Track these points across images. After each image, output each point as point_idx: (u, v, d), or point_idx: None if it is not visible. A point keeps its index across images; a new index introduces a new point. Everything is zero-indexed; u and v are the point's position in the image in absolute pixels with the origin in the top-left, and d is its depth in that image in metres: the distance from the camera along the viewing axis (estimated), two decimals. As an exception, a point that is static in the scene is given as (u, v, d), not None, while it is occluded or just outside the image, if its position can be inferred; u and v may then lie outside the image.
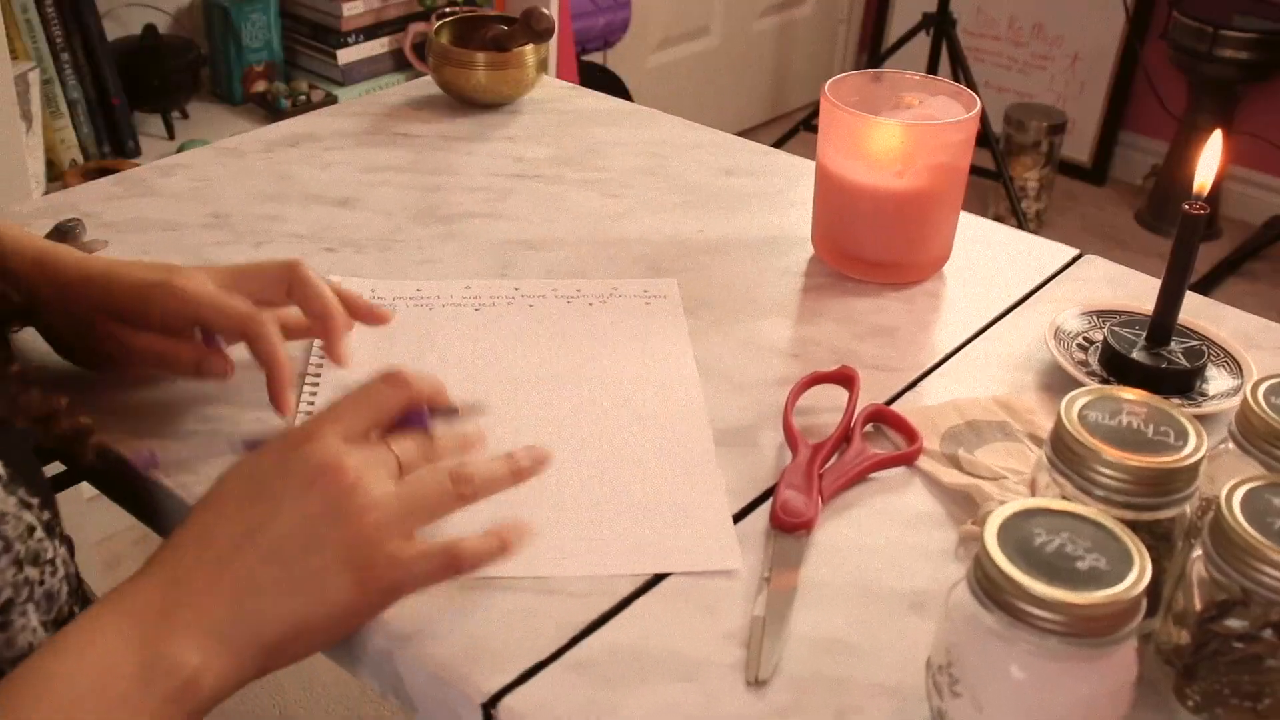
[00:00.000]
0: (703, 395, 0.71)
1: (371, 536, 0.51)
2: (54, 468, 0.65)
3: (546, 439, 0.66)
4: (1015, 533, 0.46)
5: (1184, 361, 0.72)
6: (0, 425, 0.57)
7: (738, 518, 0.63)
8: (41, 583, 0.54)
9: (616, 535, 0.61)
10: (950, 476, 0.65)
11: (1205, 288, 2.46)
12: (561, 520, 0.61)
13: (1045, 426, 0.67)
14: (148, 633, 0.48)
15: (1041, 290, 0.85)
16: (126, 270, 0.66)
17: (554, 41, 1.16)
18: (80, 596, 0.60)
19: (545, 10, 1.04)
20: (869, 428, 0.69)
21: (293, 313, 0.68)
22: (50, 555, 0.55)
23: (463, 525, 0.54)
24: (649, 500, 0.63)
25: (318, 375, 0.72)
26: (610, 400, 0.70)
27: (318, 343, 0.73)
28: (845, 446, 0.67)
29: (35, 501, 0.55)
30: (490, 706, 0.52)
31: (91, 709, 0.47)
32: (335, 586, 0.50)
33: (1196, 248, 0.70)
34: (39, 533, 0.55)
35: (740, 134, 1.08)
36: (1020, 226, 1.82)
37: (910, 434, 0.68)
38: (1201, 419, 0.58)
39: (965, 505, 0.63)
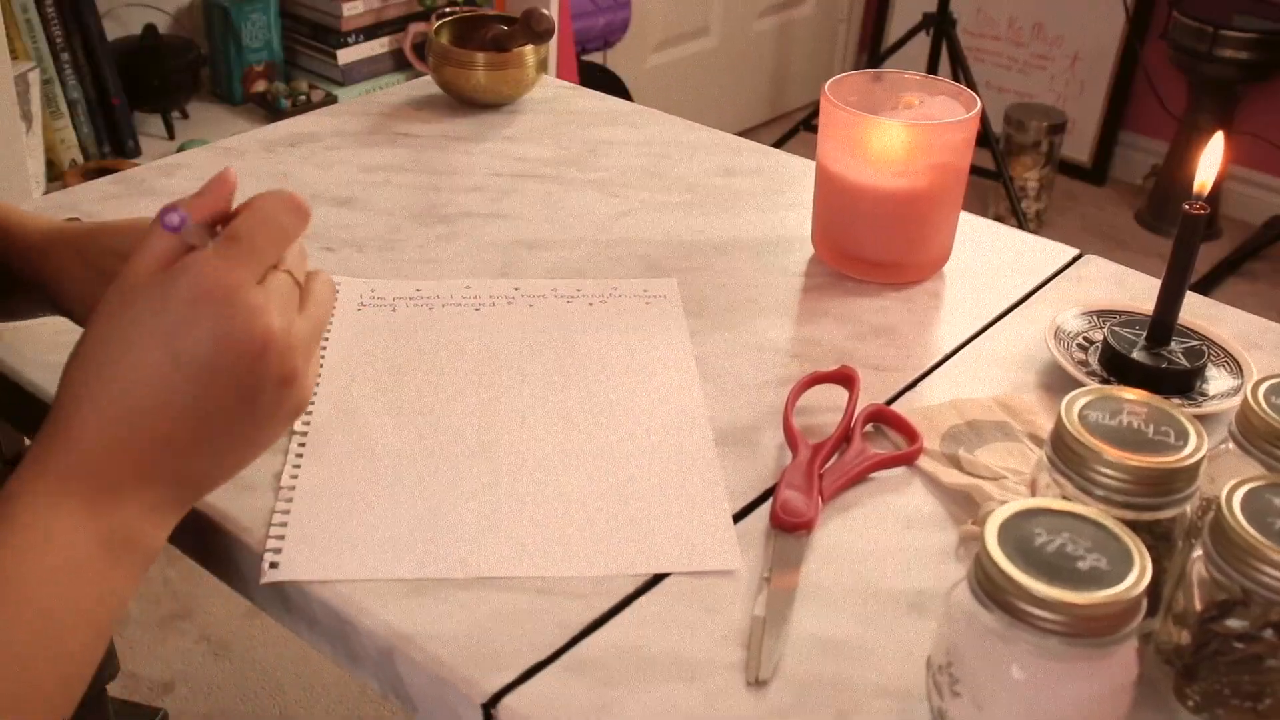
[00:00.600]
0: (702, 395, 0.71)
1: (304, 388, 0.54)
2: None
3: (546, 438, 0.66)
4: (1015, 533, 0.46)
5: (1184, 361, 0.72)
6: None
7: (738, 517, 0.63)
8: None
9: (616, 535, 0.60)
10: (950, 476, 0.65)
11: (1205, 288, 2.46)
12: (562, 520, 0.61)
13: (1045, 426, 0.67)
14: (99, 510, 0.49)
15: (1041, 290, 0.85)
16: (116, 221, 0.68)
17: (554, 41, 1.16)
18: None
19: (545, 10, 1.04)
20: (869, 428, 0.69)
21: None
22: None
23: (469, 528, 0.54)
24: (648, 500, 0.63)
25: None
26: (610, 400, 0.70)
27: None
28: (845, 446, 0.67)
29: None
30: (490, 706, 0.52)
31: (67, 598, 0.48)
32: (270, 436, 0.54)
33: (1197, 248, 0.70)
34: None
35: (740, 134, 1.08)
36: (1020, 226, 1.82)
37: (910, 434, 0.68)
38: (1202, 419, 0.58)
39: (965, 505, 0.63)
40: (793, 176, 0.99)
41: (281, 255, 0.53)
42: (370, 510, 0.61)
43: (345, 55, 1.95)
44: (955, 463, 0.66)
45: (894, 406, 0.71)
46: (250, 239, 0.52)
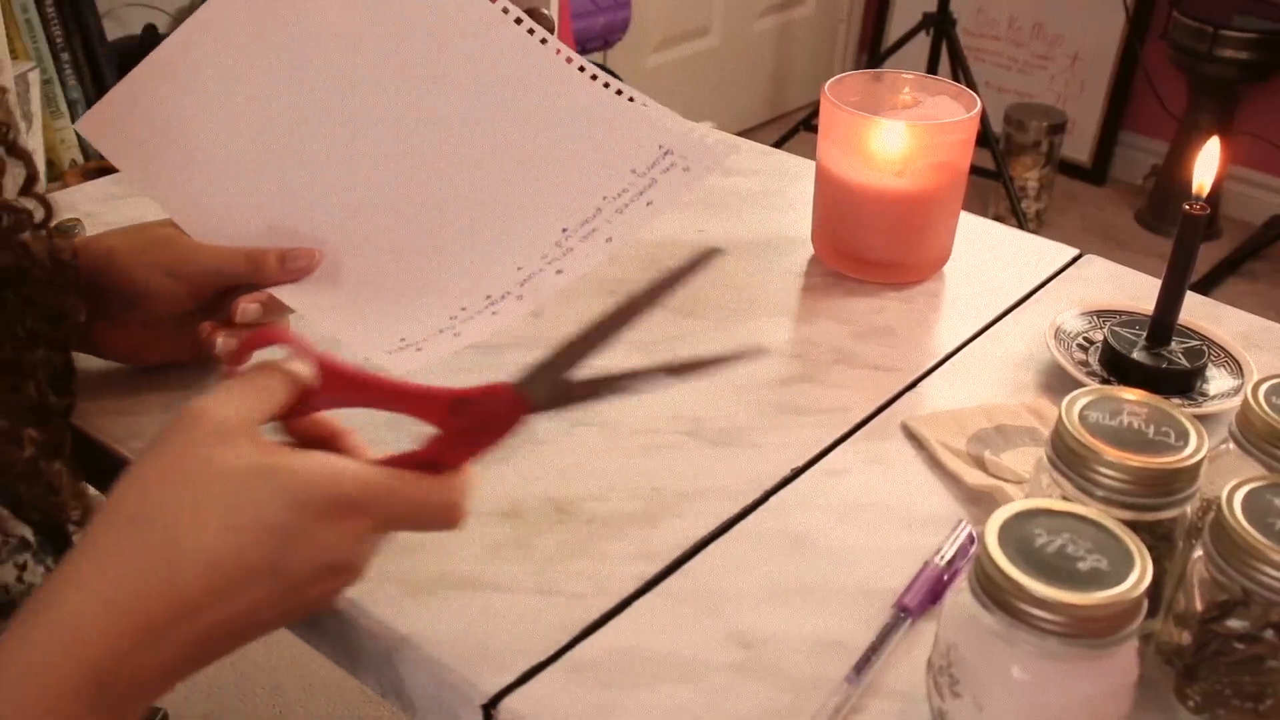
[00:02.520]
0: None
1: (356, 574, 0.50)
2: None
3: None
4: (1016, 533, 0.46)
5: (1184, 362, 0.72)
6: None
7: (738, 518, 0.63)
8: None
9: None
10: (974, 477, 0.65)
11: (1205, 288, 2.46)
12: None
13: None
14: (105, 690, 0.44)
15: (1041, 290, 0.85)
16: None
17: (554, 41, 1.16)
18: None
19: (545, 10, 1.04)
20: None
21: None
22: None
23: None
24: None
25: None
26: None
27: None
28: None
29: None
30: (490, 707, 0.52)
31: None
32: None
33: (1197, 248, 0.70)
34: None
35: (740, 134, 1.08)
36: (1020, 226, 1.82)
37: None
38: (1202, 419, 0.58)
39: (986, 506, 0.63)
40: (793, 176, 0.99)
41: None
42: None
43: (345, 55, 1.95)
44: (980, 464, 0.66)
45: (895, 407, 0.71)
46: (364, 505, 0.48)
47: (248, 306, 0.63)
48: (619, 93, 0.61)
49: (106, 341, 0.67)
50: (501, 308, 0.60)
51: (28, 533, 0.54)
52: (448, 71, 0.63)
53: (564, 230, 0.61)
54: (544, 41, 0.61)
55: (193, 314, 0.66)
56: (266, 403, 0.49)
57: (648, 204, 0.60)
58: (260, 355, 0.51)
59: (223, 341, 0.63)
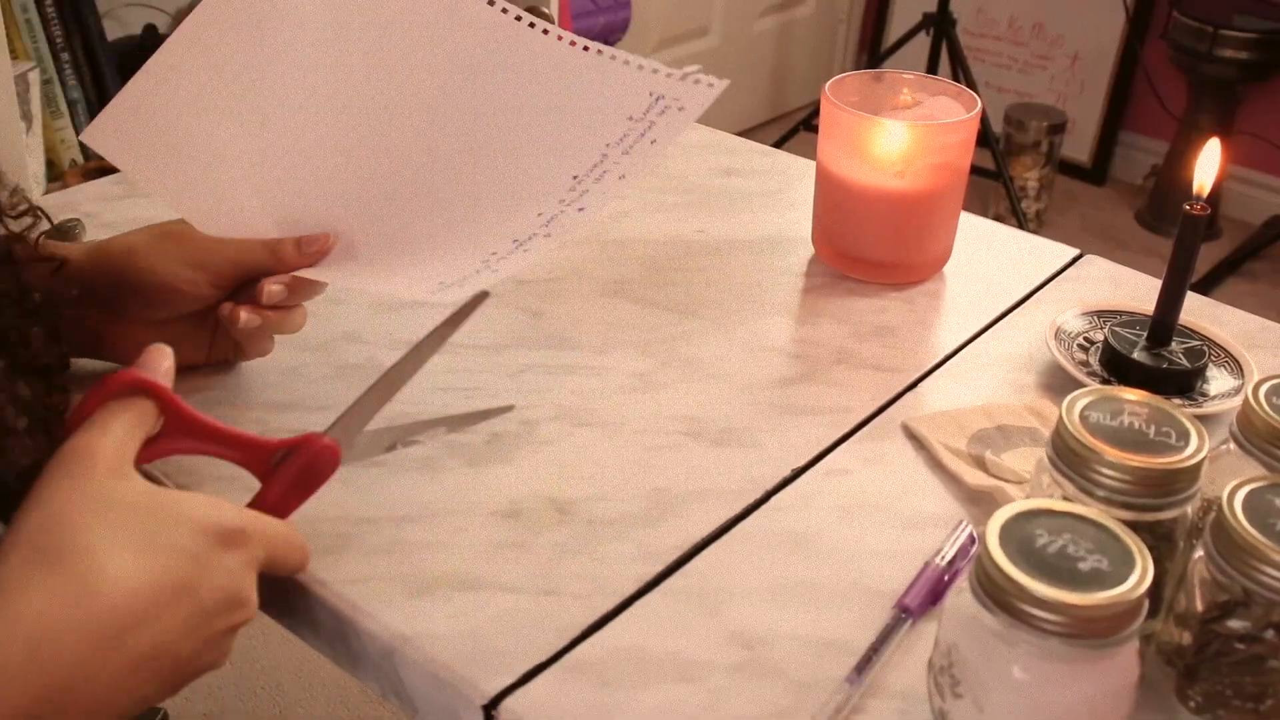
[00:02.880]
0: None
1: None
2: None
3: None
4: (1017, 534, 0.46)
5: (1185, 362, 0.72)
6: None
7: (738, 518, 0.63)
8: None
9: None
10: (974, 477, 0.65)
11: (1205, 288, 2.46)
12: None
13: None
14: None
15: (1042, 290, 0.85)
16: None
17: (554, 41, 1.16)
18: None
19: (545, 10, 1.04)
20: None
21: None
22: None
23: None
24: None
25: None
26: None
27: None
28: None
29: None
30: (491, 708, 0.52)
31: None
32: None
33: (1197, 248, 0.70)
34: None
35: (740, 134, 1.08)
36: (1020, 226, 1.82)
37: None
38: (1202, 419, 0.58)
39: (987, 506, 0.63)
40: (793, 176, 0.99)
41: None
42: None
43: (345, 55, 1.95)
44: (981, 464, 0.66)
45: (896, 407, 0.71)
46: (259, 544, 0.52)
47: (273, 288, 0.64)
48: (600, 52, 0.62)
49: (121, 343, 0.67)
50: (531, 245, 0.64)
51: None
52: (437, 52, 0.64)
53: (575, 177, 0.64)
54: (518, 18, 0.63)
55: (210, 312, 0.67)
56: (136, 439, 0.52)
57: (651, 142, 0.63)
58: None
59: (245, 318, 0.64)
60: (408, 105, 0.65)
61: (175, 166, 0.65)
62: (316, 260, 0.67)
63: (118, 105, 0.63)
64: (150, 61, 0.63)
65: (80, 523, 0.47)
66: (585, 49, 0.63)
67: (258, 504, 0.56)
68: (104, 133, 0.64)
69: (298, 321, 0.68)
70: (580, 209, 0.64)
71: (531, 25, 0.62)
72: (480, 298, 0.61)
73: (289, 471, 0.56)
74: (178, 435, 0.55)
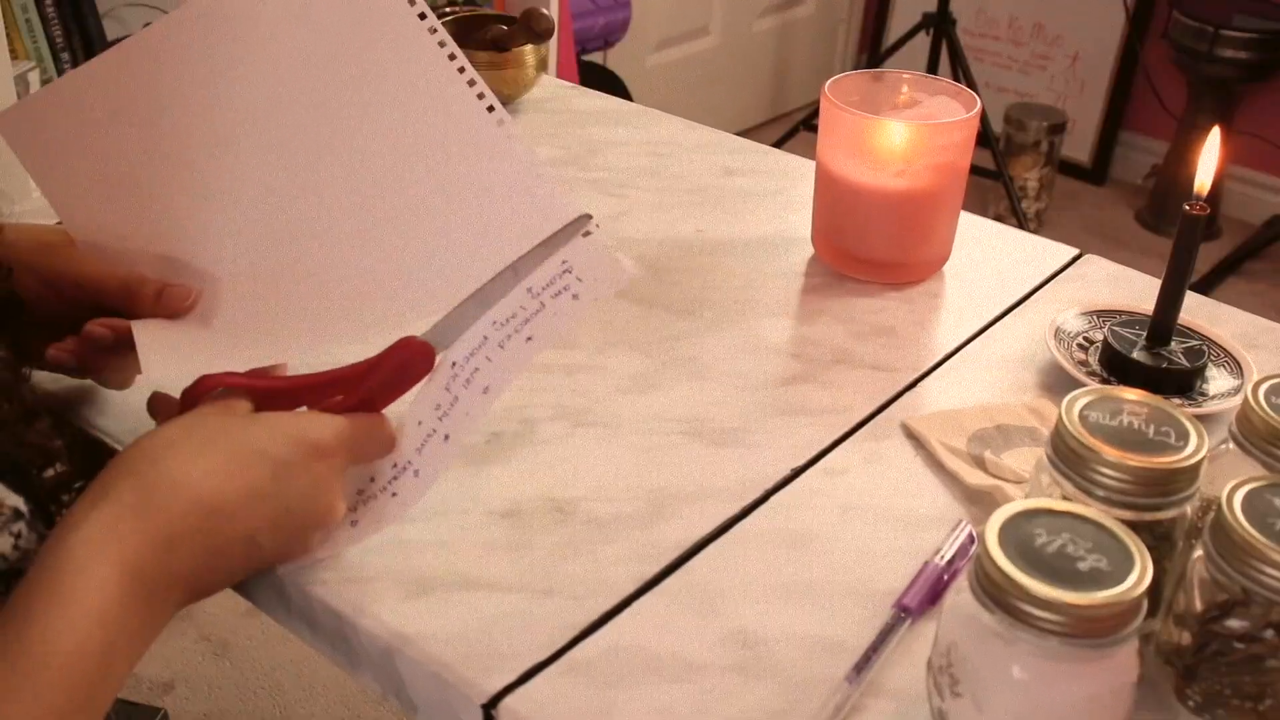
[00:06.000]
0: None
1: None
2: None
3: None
4: (1016, 533, 0.46)
5: (1184, 361, 0.72)
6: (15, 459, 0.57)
7: (737, 518, 0.63)
8: None
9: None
10: (974, 477, 0.65)
11: (1205, 288, 2.46)
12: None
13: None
14: (147, 593, 0.50)
15: (1041, 290, 0.85)
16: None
17: (554, 41, 1.16)
18: None
19: (545, 10, 1.04)
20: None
21: None
22: None
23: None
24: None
25: None
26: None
27: None
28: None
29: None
30: (490, 707, 0.52)
31: (97, 671, 0.48)
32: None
33: (1197, 248, 0.70)
34: None
35: (740, 134, 1.08)
36: (1020, 226, 1.82)
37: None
38: (1202, 419, 0.58)
39: (986, 506, 0.63)
40: (793, 176, 0.99)
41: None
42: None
43: (345, 55, 1.95)
44: (980, 464, 0.66)
45: (895, 407, 0.71)
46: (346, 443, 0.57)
47: (97, 330, 0.61)
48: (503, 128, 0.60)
49: None
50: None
51: (20, 503, 0.55)
52: (371, 120, 0.63)
53: (453, 364, 0.60)
54: (472, 83, 0.61)
55: (63, 327, 0.63)
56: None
57: (527, 339, 0.60)
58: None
59: (51, 354, 0.62)
60: (330, 171, 0.63)
61: (75, 172, 0.63)
62: (171, 315, 0.63)
63: (37, 99, 0.63)
64: (84, 66, 0.63)
65: (168, 443, 0.53)
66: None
67: (349, 400, 0.58)
68: (14, 123, 0.63)
69: (122, 378, 0.65)
70: (446, 437, 0.60)
71: (481, 96, 0.60)
72: (584, 220, 0.60)
73: (385, 369, 0.58)
74: (274, 404, 0.58)
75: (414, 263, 0.61)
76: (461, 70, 0.61)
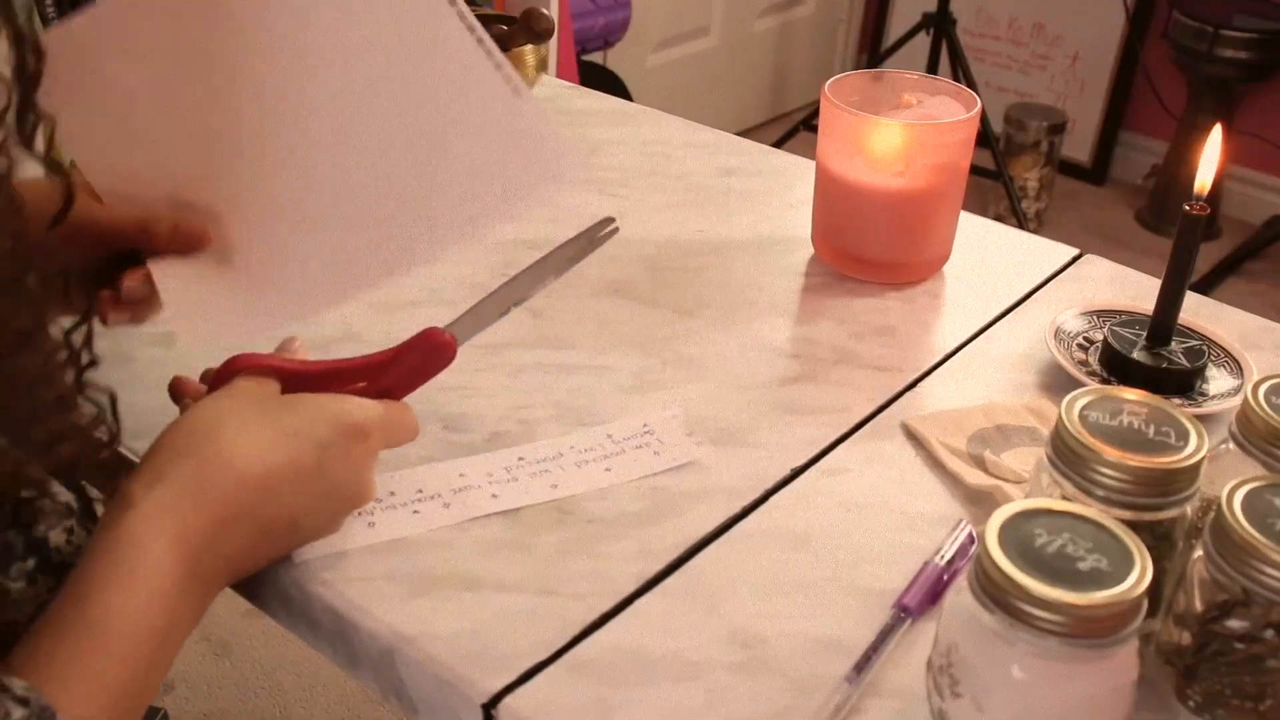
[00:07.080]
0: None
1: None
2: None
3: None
4: (1016, 533, 0.46)
5: (1184, 361, 0.72)
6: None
7: (738, 518, 0.63)
8: None
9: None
10: (974, 477, 0.65)
11: (1205, 288, 2.46)
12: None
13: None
14: (201, 572, 0.52)
15: (1041, 290, 0.85)
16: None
17: (554, 41, 1.16)
18: None
19: (545, 10, 1.04)
20: None
21: None
22: None
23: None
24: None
25: None
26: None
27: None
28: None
29: None
30: (490, 707, 0.52)
31: (147, 643, 0.50)
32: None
33: (1197, 248, 0.70)
34: None
35: (740, 134, 1.08)
36: (1020, 226, 1.82)
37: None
38: (1202, 419, 0.58)
39: (986, 506, 0.63)
40: (793, 176, 0.99)
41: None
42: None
43: (345, 55, 1.94)
44: (980, 464, 0.66)
45: (895, 407, 0.71)
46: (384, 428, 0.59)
47: (132, 285, 0.63)
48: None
49: None
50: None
51: (72, 500, 0.56)
52: (388, 68, 0.63)
53: (520, 458, 0.65)
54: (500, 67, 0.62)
55: (78, 273, 0.64)
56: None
57: (605, 469, 0.65)
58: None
59: (113, 318, 0.64)
60: (337, 115, 0.64)
61: (89, 114, 0.63)
62: (188, 251, 0.64)
63: (79, 22, 0.61)
64: (92, 10, 0.62)
65: (214, 422, 0.55)
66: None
67: (372, 387, 0.60)
68: (59, 40, 0.62)
69: (142, 316, 0.66)
70: (494, 495, 0.63)
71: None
72: (606, 223, 0.64)
73: (408, 360, 0.60)
74: (300, 388, 0.59)
75: (430, 199, 0.62)
76: (472, 30, 0.62)
